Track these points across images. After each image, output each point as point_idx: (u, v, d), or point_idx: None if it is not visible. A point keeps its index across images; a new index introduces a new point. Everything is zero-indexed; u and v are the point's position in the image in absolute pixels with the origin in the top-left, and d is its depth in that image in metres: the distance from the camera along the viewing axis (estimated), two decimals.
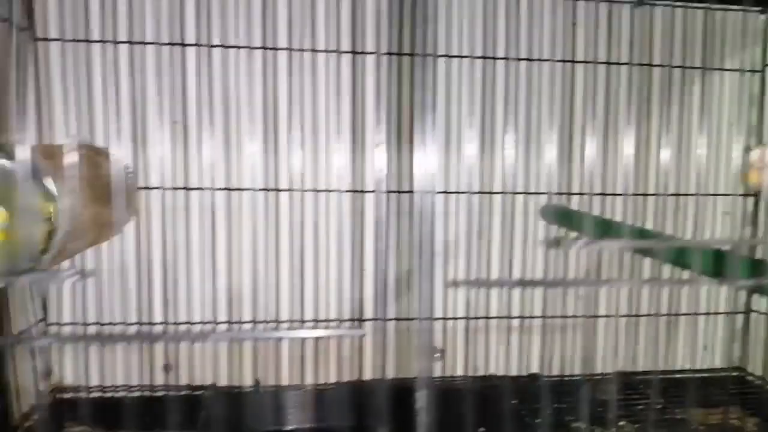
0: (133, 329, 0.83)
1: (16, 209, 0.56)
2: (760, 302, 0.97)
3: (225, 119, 0.84)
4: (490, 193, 0.90)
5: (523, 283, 0.51)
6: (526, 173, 0.89)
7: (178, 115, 0.83)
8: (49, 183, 0.59)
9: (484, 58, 0.87)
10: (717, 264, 0.47)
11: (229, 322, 0.86)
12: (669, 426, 0.84)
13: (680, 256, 0.51)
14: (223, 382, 0.87)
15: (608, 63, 0.90)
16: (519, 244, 0.90)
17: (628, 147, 0.88)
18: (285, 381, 0.89)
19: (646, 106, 0.92)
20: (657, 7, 0.91)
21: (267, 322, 0.86)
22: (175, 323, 0.84)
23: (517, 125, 0.88)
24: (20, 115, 0.72)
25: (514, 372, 0.93)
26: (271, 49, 0.83)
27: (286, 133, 0.86)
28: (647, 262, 0.83)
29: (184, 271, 0.84)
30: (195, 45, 0.81)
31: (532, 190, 0.89)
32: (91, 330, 0.83)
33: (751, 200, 0.97)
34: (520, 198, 0.90)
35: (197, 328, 0.85)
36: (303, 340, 0.87)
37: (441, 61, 0.86)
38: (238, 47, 0.83)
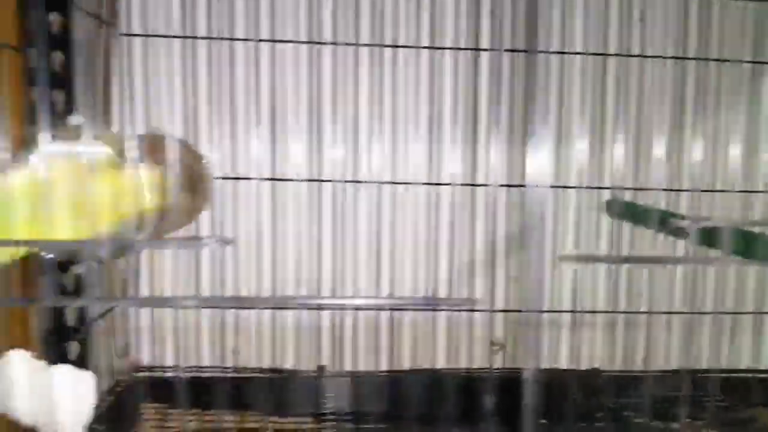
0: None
1: (122, 192, 0.59)
2: None
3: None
4: (599, 188, 0.90)
5: (630, 260, 0.51)
6: (635, 170, 0.89)
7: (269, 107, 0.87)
8: (150, 168, 0.63)
9: (595, 54, 0.88)
10: None
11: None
12: (734, 425, 0.84)
13: None
14: (303, 365, 0.91)
15: (720, 60, 0.88)
16: (626, 245, 0.88)
17: (734, 148, 0.87)
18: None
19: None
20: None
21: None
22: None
23: (628, 122, 0.88)
24: (121, 106, 0.77)
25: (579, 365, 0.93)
26: (377, 45, 0.87)
27: (405, 129, 0.88)
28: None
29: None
30: (307, 42, 0.85)
31: (641, 187, 0.89)
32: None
33: None
34: (627, 195, 0.89)
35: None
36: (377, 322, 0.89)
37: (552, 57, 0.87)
38: (347, 44, 0.86)
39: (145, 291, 0.86)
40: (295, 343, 0.91)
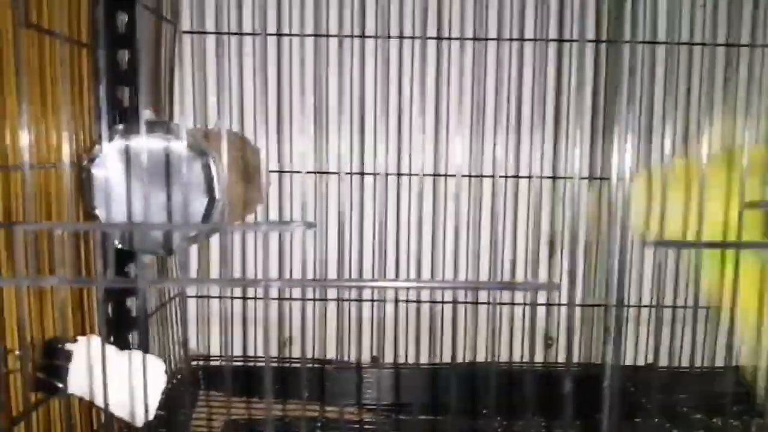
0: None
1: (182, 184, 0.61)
2: None
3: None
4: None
5: (715, 245, 0.50)
6: None
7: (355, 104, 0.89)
8: (211, 161, 0.65)
9: (681, 44, 0.86)
10: None
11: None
12: None
13: None
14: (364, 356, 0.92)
15: None
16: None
17: None
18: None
19: None
20: None
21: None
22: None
23: (713, 114, 0.86)
24: (180, 100, 0.79)
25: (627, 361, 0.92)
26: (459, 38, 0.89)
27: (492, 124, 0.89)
28: None
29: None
30: (375, 37, 0.87)
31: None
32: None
33: None
34: None
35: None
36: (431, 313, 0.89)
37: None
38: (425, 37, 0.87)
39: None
40: (357, 335, 0.92)
